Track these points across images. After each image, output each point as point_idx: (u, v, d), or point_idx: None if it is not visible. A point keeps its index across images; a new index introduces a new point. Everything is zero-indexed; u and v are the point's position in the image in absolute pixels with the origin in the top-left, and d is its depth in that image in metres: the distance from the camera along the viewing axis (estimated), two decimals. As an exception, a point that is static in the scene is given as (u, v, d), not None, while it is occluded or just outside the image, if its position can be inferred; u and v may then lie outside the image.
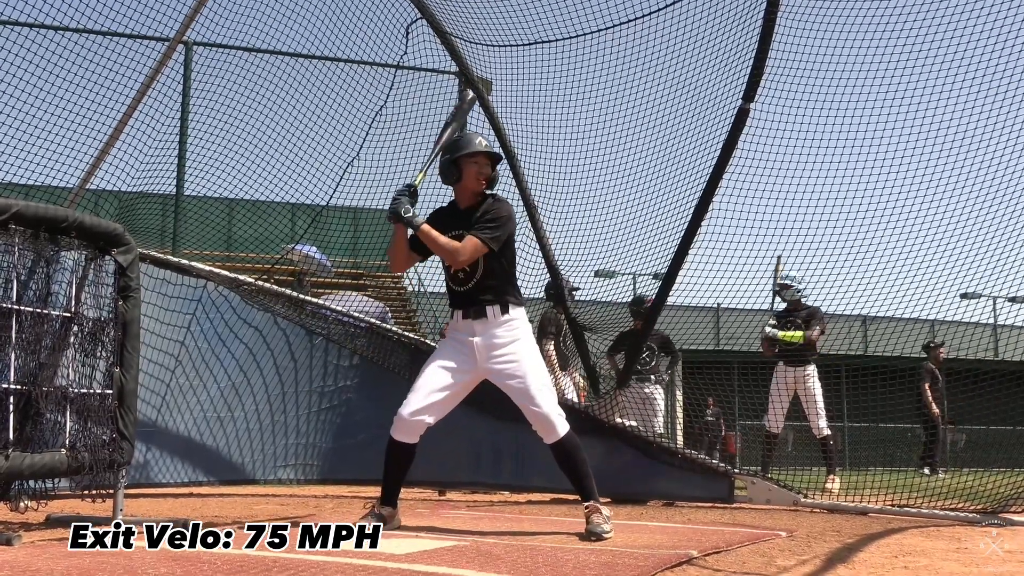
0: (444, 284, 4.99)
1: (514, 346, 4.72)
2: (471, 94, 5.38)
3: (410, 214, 4.69)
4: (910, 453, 20.58)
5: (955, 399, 14.58)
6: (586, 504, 4.71)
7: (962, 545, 4.53)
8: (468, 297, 4.77)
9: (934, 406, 12.81)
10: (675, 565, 3.69)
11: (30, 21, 7.15)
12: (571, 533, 4.73)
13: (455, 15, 7.69)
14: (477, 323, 4.72)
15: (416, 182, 4.79)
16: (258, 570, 3.20)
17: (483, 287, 4.75)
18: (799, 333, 9.08)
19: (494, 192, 4.92)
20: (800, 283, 9.24)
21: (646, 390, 9.43)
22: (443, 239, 4.70)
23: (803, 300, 9.28)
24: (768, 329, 9.19)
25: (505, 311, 4.73)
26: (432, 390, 4.71)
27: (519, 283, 4.98)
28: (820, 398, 9.17)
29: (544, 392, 4.70)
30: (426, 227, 4.71)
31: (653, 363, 9.51)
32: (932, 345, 12.95)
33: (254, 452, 7.79)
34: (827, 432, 9.22)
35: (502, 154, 4.90)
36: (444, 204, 5.02)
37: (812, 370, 9.17)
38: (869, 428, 21.08)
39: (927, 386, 12.83)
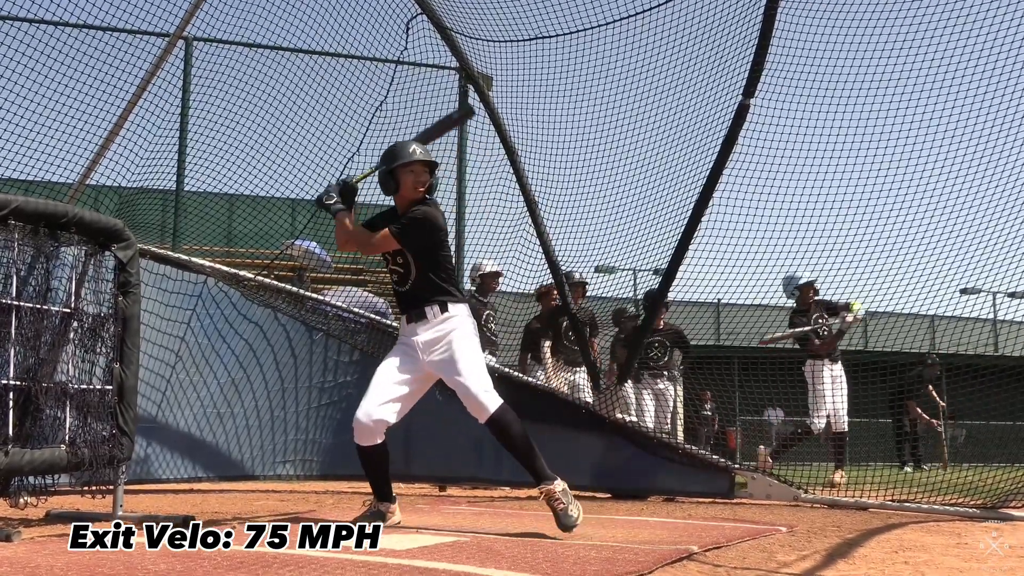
0: None
1: (448, 336, 4.74)
2: (457, 115, 5.39)
3: (332, 201, 4.91)
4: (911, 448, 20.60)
5: (955, 395, 14.57)
6: (539, 489, 4.63)
7: (962, 540, 4.53)
8: (408, 299, 4.84)
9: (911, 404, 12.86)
10: (676, 560, 3.69)
11: (30, 17, 7.15)
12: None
13: (455, 10, 7.68)
14: (419, 324, 4.78)
15: (357, 177, 5.02)
16: (258, 566, 3.19)
17: (420, 289, 4.79)
18: (857, 304, 8.92)
19: (432, 198, 4.91)
20: (808, 282, 9.16)
21: (659, 385, 9.41)
22: (351, 227, 4.90)
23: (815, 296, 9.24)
24: (846, 316, 8.92)
25: (444, 310, 4.77)
26: (386, 393, 4.73)
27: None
28: (846, 393, 9.15)
29: (470, 372, 4.67)
30: (340, 216, 4.90)
31: (666, 358, 9.48)
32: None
33: (254, 448, 7.80)
34: (846, 428, 9.19)
35: (438, 161, 4.88)
36: (386, 208, 5.08)
37: (841, 365, 9.16)
38: (869, 424, 21.08)
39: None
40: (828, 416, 9.04)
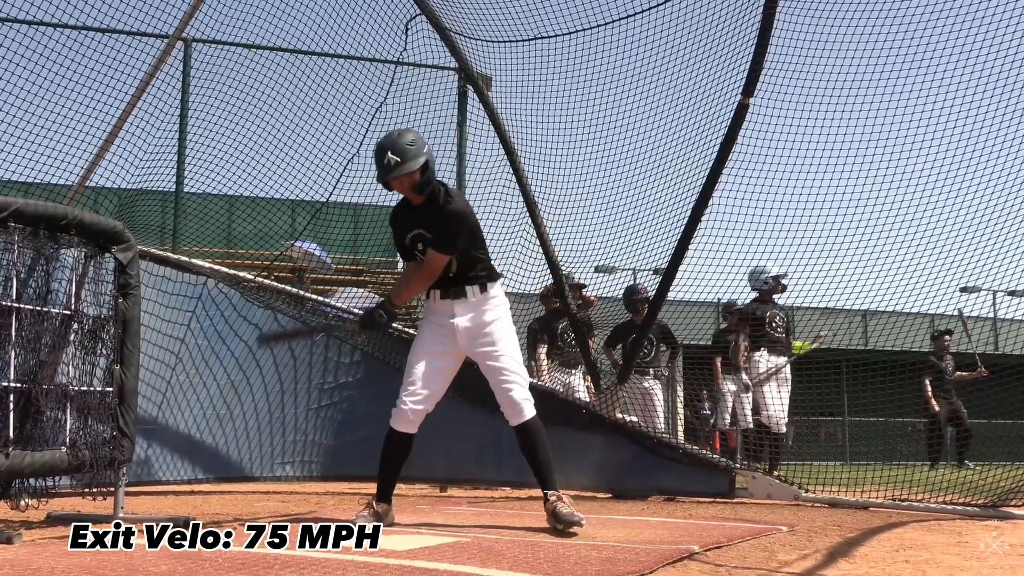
0: None
1: (494, 325, 4.77)
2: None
3: (384, 319, 4.93)
4: (911, 447, 20.57)
5: (959, 393, 14.54)
6: (548, 493, 4.72)
7: (963, 539, 4.54)
8: (447, 281, 4.81)
9: (933, 402, 12.72)
10: (676, 560, 3.69)
11: (28, 19, 7.15)
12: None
13: (454, 11, 7.68)
14: (457, 304, 4.76)
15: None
16: (260, 567, 3.20)
17: (460, 271, 4.80)
18: (804, 344, 9.03)
19: (444, 185, 4.80)
20: (770, 271, 9.14)
21: (644, 384, 9.31)
22: (415, 285, 4.86)
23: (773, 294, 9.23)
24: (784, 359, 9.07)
25: (484, 289, 4.78)
26: (426, 377, 4.75)
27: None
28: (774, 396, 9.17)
29: (517, 374, 4.75)
30: (397, 302, 4.95)
31: (652, 355, 9.44)
32: (936, 334, 12.83)
33: (255, 449, 7.79)
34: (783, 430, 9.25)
35: (389, 177, 4.64)
36: (398, 203, 4.98)
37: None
38: (870, 423, 21.08)
39: (928, 381, 12.75)
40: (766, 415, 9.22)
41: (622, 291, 9.24)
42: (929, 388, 12.70)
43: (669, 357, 9.69)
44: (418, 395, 4.73)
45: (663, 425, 9.43)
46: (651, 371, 9.41)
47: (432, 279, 4.78)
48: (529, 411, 4.74)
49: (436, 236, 4.70)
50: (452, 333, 4.77)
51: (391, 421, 4.78)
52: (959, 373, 12.83)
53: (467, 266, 4.79)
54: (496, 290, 4.84)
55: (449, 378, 4.87)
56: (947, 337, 12.82)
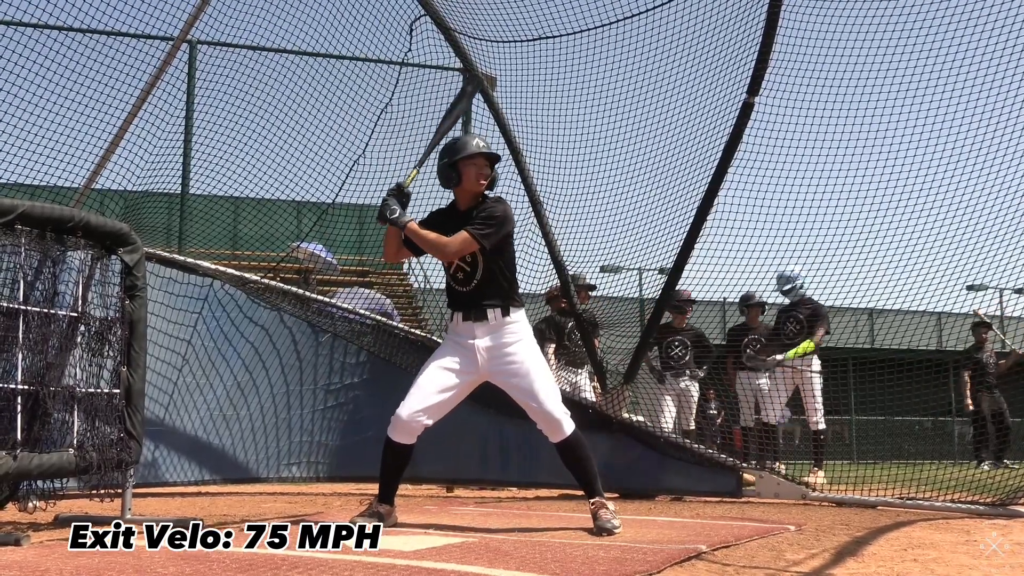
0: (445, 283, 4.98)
1: (516, 347, 4.71)
2: (469, 87, 5.33)
3: (396, 215, 4.74)
4: (918, 446, 20.53)
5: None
6: (592, 501, 4.72)
7: (971, 538, 4.52)
8: (468, 299, 4.76)
9: (969, 400, 12.60)
10: (684, 560, 3.69)
11: (33, 22, 7.16)
12: (579, 528, 4.73)
13: (459, 11, 7.68)
14: (478, 326, 4.71)
15: (407, 181, 4.85)
16: (267, 568, 3.20)
17: (483, 289, 4.74)
18: (807, 344, 9.02)
19: (496, 193, 4.90)
20: (802, 279, 9.20)
21: (682, 384, 9.45)
22: (430, 236, 4.72)
23: (807, 296, 9.23)
24: (774, 358, 9.10)
25: (506, 313, 4.72)
26: (433, 391, 4.69)
27: (520, 282, 4.98)
28: (819, 392, 9.16)
29: (549, 392, 4.70)
30: (412, 226, 4.74)
31: (688, 358, 9.51)
32: (975, 325, 12.56)
33: (262, 450, 7.80)
34: (823, 426, 9.24)
35: (500, 154, 4.85)
36: (443, 205, 5.01)
37: (814, 364, 9.15)
38: (877, 421, 21.05)
39: (967, 376, 12.61)
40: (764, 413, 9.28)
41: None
42: (969, 383, 12.57)
43: (703, 360, 9.71)
44: (418, 407, 4.66)
45: (693, 425, 9.48)
46: (687, 372, 9.49)
47: (445, 250, 4.69)
48: (568, 426, 4.69)
49: (475, 222, 4.68)
50: (473, 354, 4.72)
51: (388, 430, 4.73)
52: (994, 363, 12.76)
53: (490, 283, 4.72)
54: (518, 315, 4.77)
55: (456, 399, 4.78)
56: (986, 330, 12.69)
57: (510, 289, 4.79)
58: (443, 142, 4.97)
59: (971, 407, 12.59)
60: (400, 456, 4.78)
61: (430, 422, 4.73)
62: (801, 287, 9.23)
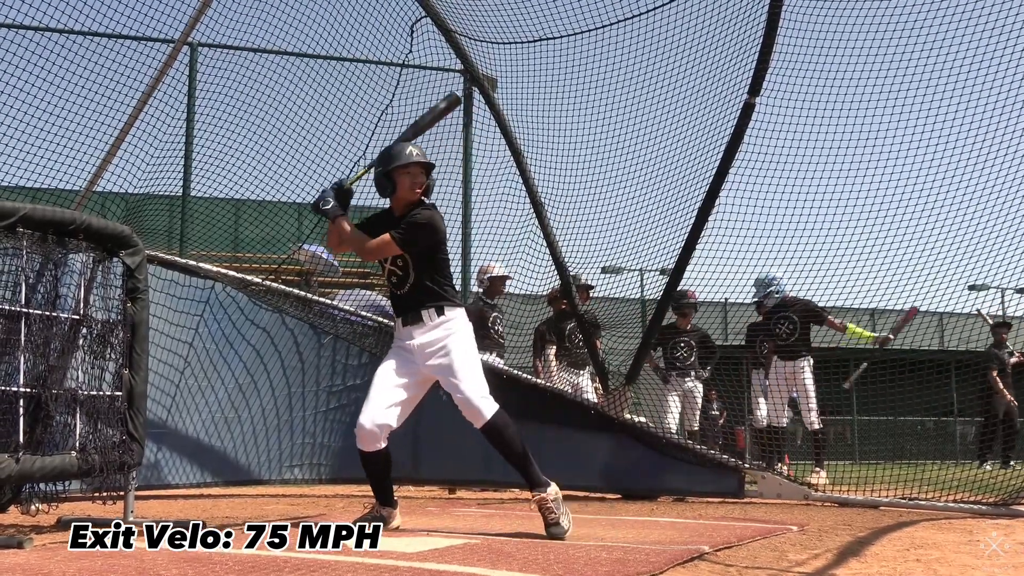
0: None
1: (447, 340, 4.74)
2: (443, 104, 5.30)
3: (329, 206, 4.80)
4: (920, 446, 20.51)
5: (964, 392, 14.51)
6: (532, 494, 4.60)
7: (974, 538, 4.52)
8: (405, 303, 4.82)
9: (1006, 394, 12.62)
10: (687, 560, 3.69)
11: (35, 24, 7.16)
12: (581, 529, 4.72)
13: (460, 13, 7.69)
14: (415, 328, 4.77)
15: (349, 181, 4.91)
16: (269, 570, 3.20)
17: (417, 292, 4.79)
18: (861, 330, 9.07)
19: (430, 201, 4.91)
20: (779, 282, 9.18)
21: (687, 384, 9.47)
22: (354, 233, 4.81)
23: (789, 295, 9.22)
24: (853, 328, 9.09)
25: (440, 313, 4.77)
26: (386, 398, 4.72)
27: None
28: (813, 392, 9.16)
29: (469, 377, 4.66)
30: (340, 220, 4.80)
31: (692, 359, 9.51)
32: (995, 325, 12.59)
33: (264, 452, 7.81)
34: (819, 426, 9.23)
35: (435, 163, 4.88)
36: (380, 211, 5.05)
37: (807, 363, 9.15)
38: (880, 421, 21.03)
39: (995, 373, 12.64)
40: (765, 414, 9.30)
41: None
42: (999, 381, 12.62)
43: (708, 361, 9.70)
44: (374, 412, 4.68)
45: (697, 425, 9.49)
46: (692, 373, 9.51)
47: (363, 248, 4.79)
48: (488, 409, 4.62)
49: (400, 227, 4.73)
50: (412, 355, 4.77)
51: (357, 442, 4.75)
52: (1013, 360, 12.83)
53: (422, 286, 4.78)
54: (453, 313, 4.80)
55: (412, 401, 4.81)
56: (1006, 330, 12.74)
57: (444, 290, 4.83)
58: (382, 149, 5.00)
59: (1013, 402, 12.62)
60: (376, 463, 4.81)
61: (394, 424, 4.75)
62: (778, 292, 9.22)
